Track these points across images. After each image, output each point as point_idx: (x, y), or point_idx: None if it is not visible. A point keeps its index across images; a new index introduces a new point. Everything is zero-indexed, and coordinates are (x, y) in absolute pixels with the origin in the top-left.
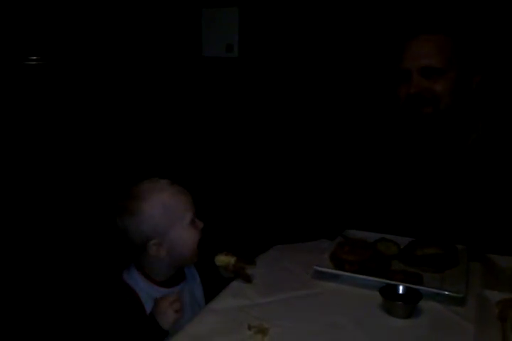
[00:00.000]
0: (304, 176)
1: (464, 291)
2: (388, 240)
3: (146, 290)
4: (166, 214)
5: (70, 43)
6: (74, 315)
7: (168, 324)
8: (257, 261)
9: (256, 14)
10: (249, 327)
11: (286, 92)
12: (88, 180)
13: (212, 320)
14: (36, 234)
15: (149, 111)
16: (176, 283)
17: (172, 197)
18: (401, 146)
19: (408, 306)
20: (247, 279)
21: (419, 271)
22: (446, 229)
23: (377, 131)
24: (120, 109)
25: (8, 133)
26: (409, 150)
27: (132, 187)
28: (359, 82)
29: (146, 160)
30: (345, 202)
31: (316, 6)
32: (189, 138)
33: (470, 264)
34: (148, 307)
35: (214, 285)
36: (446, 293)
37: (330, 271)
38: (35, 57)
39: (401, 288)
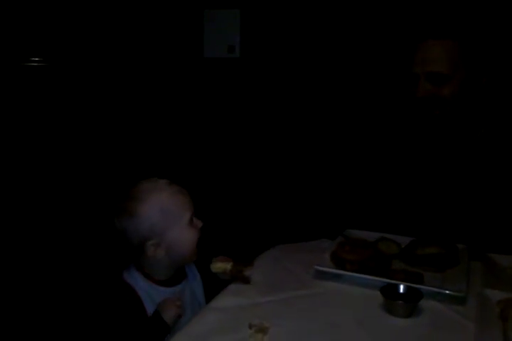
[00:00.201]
0: (305, 176)
1: (465, 290)
2: (389, 239)
3: (146, 289)
4: (163, 214)
5: (71, 44)
6: (75, 314)
7: (170, 317)
8: (257, 261)
9: (257, 15)
10: (250, 326)
11: (288, 93)
12: (88, 180)
13: (213, 318)
14: (36, 233)
15: (151, 111)
16: (177, 282)
17: (170, 198)
18: (402, 146)
19: (409, 305)
20: (245, 281)
21: (419, 271)
22: (447, 229)
23: (377, 131)
24: (121, 110)
25: (8, 133)
26: (411, 149)
27: (131, 187)
28: (360, 83)
29: (146, 160)
30: (345, 202)
31: (318, 7)
32: (190, 139)
33: (471, 263)
34: (148, 307)
35: (214, 283)
36: (447, 292)
37: (331, 270)
38: (36, 59)
39: (402, 287)
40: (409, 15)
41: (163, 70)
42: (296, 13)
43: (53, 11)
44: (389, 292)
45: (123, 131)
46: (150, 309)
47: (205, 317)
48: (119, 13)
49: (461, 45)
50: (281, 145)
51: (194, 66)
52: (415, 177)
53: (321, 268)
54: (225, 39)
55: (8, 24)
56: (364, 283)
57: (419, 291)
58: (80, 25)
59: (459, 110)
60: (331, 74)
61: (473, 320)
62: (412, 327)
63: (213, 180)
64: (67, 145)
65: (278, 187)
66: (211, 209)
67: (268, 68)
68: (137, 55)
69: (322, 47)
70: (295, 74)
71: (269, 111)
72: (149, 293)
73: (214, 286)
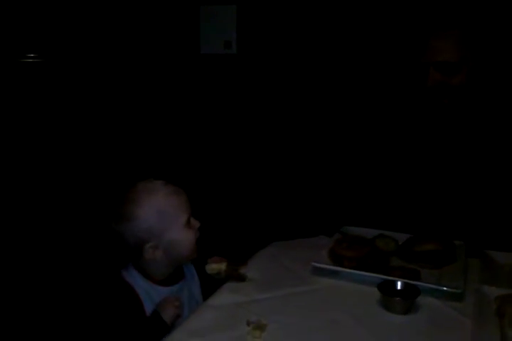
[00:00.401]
0: (303, 173)
1: (462, 287)
2: (386, 236)
3: (144, 288)
4: (160, 217)
5: (68, 40)
6: (73, 313)
7: (169, 317)
8: (255, 258)
9: (254, 11)
10: (248, 323)
11: (285, 88)
12: (85, 178)
13: (211, 316)
14: (36, 233)
15: (147, 108)
16: (175, 281)
17: (166, 199)
18: (399, 144)
19: (406, 302)
20: (241, 279)
21: (417, 267)
22: (445, 225)
23: (377, 127)
24: (117, 106)
25: (4, 131)
26: (407, 147)
27: (127, 188)
28: (357, 81)
29: (142, 158)
30: (343, 199)
31: (316, 2)
32: (186, 136)
33: (468, 260)
34: (146, 305)
35: (211, 282)
36: (444, 288)
37: (328, 267)
38: (32, 55)
39: (399, 283)
40: (418, 5)
41: (160, 67)
42: (293, 8)
43: (49, 7)
44: (386, 288)
45: (119, 129)
46: (149, 308)
47: (202, 314)
48: (116, 10)
49: (469, 35)
50: (278, 142)
51: (191, 62)
52: (413, 174)
53: (318, 265)
54: (221, 35)
55: (4, 20)
56: (361, 279)
57: (416, 288)
58: (75, 21)
59: (468, 99)
60: (332, 67)
61: (471, 317)
62: (409, 323)
63: (210, 177)
64: (63, 142)
65: (275, 184)
66: (208, 206)
67: (265, 64)
68: (133, 51)
69: (321, 42)
70: (293, 69)
71: (266, 108)
72: (148, 292)
73: (211, 285)
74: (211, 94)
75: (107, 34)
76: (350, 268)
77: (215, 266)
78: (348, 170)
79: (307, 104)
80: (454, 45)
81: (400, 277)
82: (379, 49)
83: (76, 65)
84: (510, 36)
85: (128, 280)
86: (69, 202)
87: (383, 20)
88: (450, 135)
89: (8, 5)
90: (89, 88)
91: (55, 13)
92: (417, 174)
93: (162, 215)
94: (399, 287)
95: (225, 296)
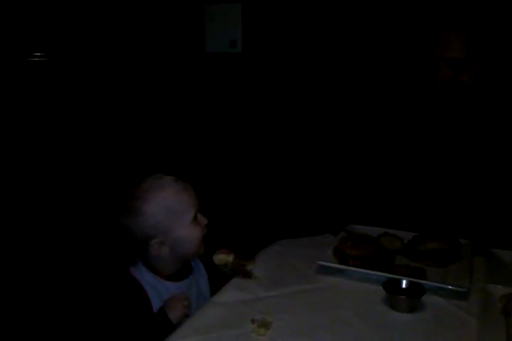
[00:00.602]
0: (308, 171)
1: (468, 286)
2: (392, 235)
3: (152, 284)
4: (167, 213)
5: (74, 40)
6: (79, 309)
7: (176, 317)
8: (260, 256)
9: (259, 10)
10: (253, 321)
11: (290, 87)
12: (94, 175)
13: (216, 313)
14: (44, 229)
15: (153, 107)
16: (184, 277)
17: (174, 196)
18: (404, 142)
19: (411, 300)
20: (247, 275)
21: (422, 266)
22: (450, 224)
23: (384, 126)
24: (124, 105)
25: (11, 129)
26: (413, 146)
27: (136, 184)
28: (364, 78)
29: (150, 156)
30: (348, 197)
31: (321, 0)
32: (193, 134)
33: (474, 259)
34: (154, 301)
35: (219, 277)
36: (450, 287)
37: (333, 265)
38: (38, 54)
39: (404, 282)
40: (429, 1)
41: (165, 65)
42: (298, 6)
43: (55, 6)
44: (391, 287)
45: (126, 127)
46: (156, 303)
47: (208, 311)
48: (121, 9)
49: (480, 32)
50: (284, 140)
51: (196, 61)
52: (418, 172)
53: (323, 263)
54: (226, 34)
55: (10, 19)
56: (367, 278)
57: (421, 286)
58: (81, 20)
59: (478, 96)
60: (338, 65)
61: (476, 316)
62: (414, 322)
63: (217, 175)
64: (70, 140)
65: (281, 182)
66: (215, 204)
67: (270, 63)
68: (139, 50)
69: (327, 40)
70: (298, 68)
71: (271, 106)
72: (156, 288)
73: (219, 281)
74: (216, 92)
75: (112, 33)
76: (356, 267)
77: (223, 257)
78: (354, 168)
79: (313, 102)
80: (464, 42)
81: (406, 275)
82: (388, 45)
83: (82, 63)
84: None
85: (135, 275)
86: (78, 197)
87: (393, 15)
88: (458, 132)
89: (15, 4)
90: (95, 86)
91: (62, 12)
92: (423, 172)
93: (170, 212)
94: (404, 285)
95: (230, 293)
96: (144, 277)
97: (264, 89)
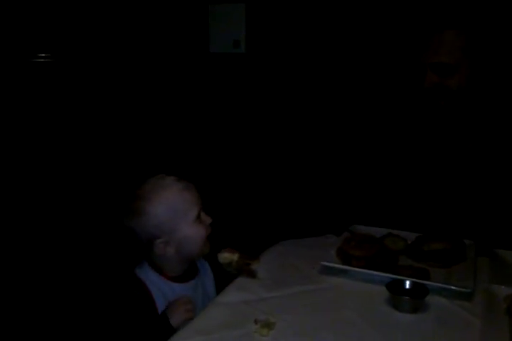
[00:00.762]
0: (312, 171)
1: (471, 286)
2: (395, 235)
3: (158, 285)
4: (171, 213)
5: (78, 40)
6: (85, 309)
7: (177, 322)
8: (263, 257)
9: (263, 10)
10: (256, 321)
11: (294, 87)
12: (98, 175)
13: (219, 313)
14: (49, 229)
15: (157, 107)
16: (189, 278)
17: (177, 195)
18: (408, 142)
19: (415, 301)
20: (252, 275)
21: (426, 267)
22: (454, 224)
23: (386, 125)
24: (128, 105)
25: (16, 130)
26: (417, 144)
27: (139, 184)
28: (367, 75)
29: (153, 156)
30: (352, 198)
31: (324, 1)
32: (196, 134)
33: (478, 259)
34: (159, 303)
35: (225, 278)
36: (453, 288)
37: (337, 266)
38: (43, 55)
39: (408, 283)
40: (417, 5)
41: (169, 65)
42: (301, 6)
43: (60, 7)
44: (395, 288)
45: (130, 127)
46: (161, 305)
47: (210, 312)
48: (125, 10)
49: (467, 36)
50: (287, 140)
51: (199, 61)
52: (422, 173)
53: (327, 264)
54: (230, 34)
55: (15, 20)
56: (370, 278)
57: (425, 287)
58: (86, 21)
59: (465, 102)
60: (338, 67)
61: (480, 316)
62: (417, 322)
63: (219, 175)
64: (73, 141)
65: (284, 183)
66: (219, 204)
67: (274, 63)
68: (143, 50)
69: (328, 41)
70: (301, 68)
71: (275, 106)
72: (161, 289)
73: (225, 281)
74: (220, 93)
75: (116, 34)
76: (359, 267)
77: (228, 256)
78: (357, 169)
79: (316, 102)
80: (451, 47)
81: (409, 276)
82: (381, 48)
83: (87, 64)
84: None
85: (141, 276)
86: (82, 198)
87: (384, 19)
88: (456, 133)
89: (20, 5)
90: (100, 87)
91: (67, 13)
92: (427, 173)
93: (173, 211)
94: (407, 286)
95: (233, 294)
96: (150, 278)
97: (268, 90)
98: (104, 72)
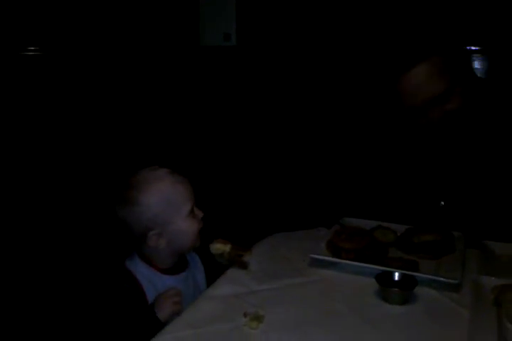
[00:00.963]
0: (302, 165)
1: (459, 277)
2: (385, 228)
3: (148, 277)
4: (165, 204)
5: (68, 34)
6: (74, 302)
7: (165, 315)
8: (254, 249)
9: (253, 2)
10: (245, 315)
11: (285, 81)
12: (89, 169)
13: (209, 306)
14: (38, 221)
15: (147, 101)
16: (180, 270)
17: (171, 187)
18: (398, 135)
19: (404, 293)
20: (243, 266)
21: (416, 258)
22: (443, 216)
23: (374, 120)
24: (118, 99)
25: (4, 124)
26: (406, 138)
27: (131, 176)
28: (357, 72)
29: (144, 151)
30: (342, 191)
31: None
32: (187, 128)
33: (467, 251)
34: (149, 295)
35: (216, 270)
36: (442, 279)
37: (326, 258)
38: (33, 48)
39: (397, 274)
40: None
41: (159, 59)
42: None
43: (49, 0)
44: (384, 279)
45: (120, 121)
46: (152, 297)
47: (200, 305)
48: (115, 2)
49: (446, 59)
50: (278, 134)
51: (190, 54)
52: (411, 165)
53: (317, 257)
54: (221, 27)
55: (4, 13)
56: (360, 271)
57: (414, 279)
58: (75, 14)
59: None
60: (329, 60)
61: (468, 307)
62: (407, 314)
63: (211, 169)
64: (65, 135)
65: (275, 176)
66: (210, 198)
67: (265, 56)
68: (133, 43)
69: (319, 34)
70: (292, 61)
71: (266, 99)
72: (151, 281)
73: (216, 274)
74: (211, 86)
75: (106, 27)
76: (349, 260)
77: (220, 246)
78: (347, 162)
79: (306, 96)
80: (433, 76)
81: (398, 268)
82: (375, 42)
83: (76, 57)
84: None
85: (131, 269)
86: (73, 191)
87: (388, 12)
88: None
89: None
90: (89, 80)
91: (56, 6)
92: (415, 165)
93: (167, 203)
94: (396, 278)
95: (223, 287)
96: (140, 270)
97: (259, 83)
98: (94, 66)
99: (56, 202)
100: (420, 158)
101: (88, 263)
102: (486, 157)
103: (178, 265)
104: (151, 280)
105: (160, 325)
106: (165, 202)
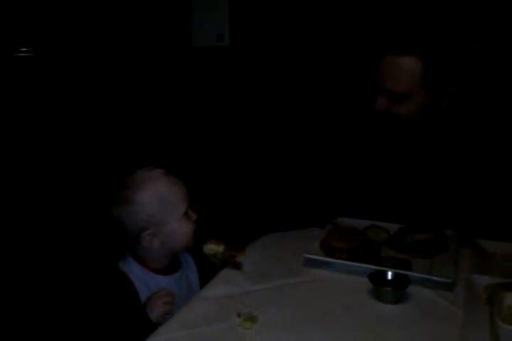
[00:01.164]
0: (294, 165)
1: (452, 276)
2: (378, 227)
3: (141, 278)
4: (160, 204)
5: (60, 35)
6: (67, 303)
7: (156, 316)
8: (248, 249)
9: (246, 2)
10: (239, 315)
11: (278, 81)
12: (82, 170)
13: (202, 307)
14: (31, 221)
15: (139, 102)
16: (173, 270)
17: (167, 188)
18: (388, 135)
19: (397, 292)
20: (237, 266)
21: (409, 257)
22: (436, 215)
23: (365, 121)
24: (110, 100)
25: None
26: (397, 138)
27: (127, 176)
28: (351, 72)
29: (136, 151)
30: (335, 190)
31: None
32: (180, 129)
33: (460, 250)
34: (142, 295)
35: (209, 271)
36: (435, 278)
37: (319, 258)
38: (25, 49)
39: (390, 274)
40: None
41: (152, 59)
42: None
43: (42, 1)
44: (377, 279)
45: (112, 122)
46: (145, 297)
47: (194, 306)
48: (107, 3)
49: (423, 62)
50: (271, 134)
51: (183, 55)
52: (403, 164)
53: (310, 256)
54: (214, 27)
55: None
56: (353, 270)
57: (406, 278)
58: (67, 15)
59: (419, 125)
60: (322, 59)
61: (461, 306)
62: (400, 313)
63: (204, 169)
64: (57, 136)
65: (268, 177)
66: (203, 198)
67: (258, 56)
68: (126, 44)
69: (312, 33)
70: (285, 62)
71: (259, 101)
72: (145, 282)
73: (209, 274)
74: (204, 86)
75: (99, 28)
76: (342, 259)
77: (213, 247)
78: (340, 162)
79: (300, 96)
80: (404, 74)
81: (392, 267)
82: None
83: (69, 58)
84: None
85: (124, 269)
86: (66, 193)
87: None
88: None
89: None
90: (82, 82)
91: (48, 7)
92: (407, 164)
93: (163, 203)
94: (389, 277)
95: (216, 288)
96: (133, 271)
97: (253, 83)
98: (87, 67)
99: (50, 202)
100: (413, 158)
101: (81, 263)
102: (479, 156)
103: (171, 265)
104: (144, 281)
105: (151, 325)
106: (160, 202)
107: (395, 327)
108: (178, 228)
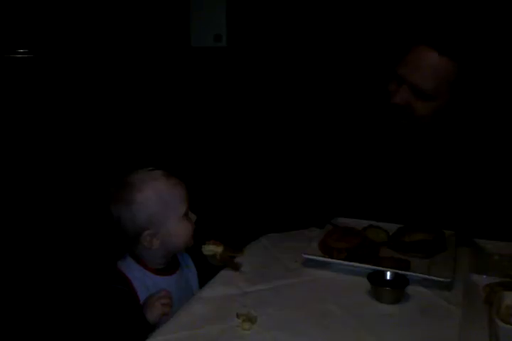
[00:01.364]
0: (293, 165)
1: (451, 276)
2: (377, 227)
3: (140, 278)
4: (161, 205)
5: (57, 36)
6: (66, 304)
7: (154, 317)
8: (247, 250)
9: (244, 3)
10: (238, 316)
11: (276, 81)
12: (81, 171)
13: (201, 308)
14: (31, 222)
15: (138, 102)
16: (172, 271)
17: (168, 188)
18: (388, 134)
19: (395, 292)
20: (235, 267)
21: (407, 257)
22: (435, 215)
23: (364, 120)
24: (108, 100)
25: None
26: (396, 137)
27: (127, 176)
28: (348, 71)
29: (136, 152)
30: (334, 190)
31: None
32: (178, 129)
33: (458, 249)
34: (141, 296)
35: (208, 270)
36: (433, 278)
37: (318, 258)
38: (22, 50)
39: (388, 274)
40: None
41: (150, 60)
42: (283, 0)
43: (39, 2)
44: (376, 279)
45: (110, 122)
46: (144, 297)
47: (193, 306)
48: (105, 4)
49: (459, 68)
50: (270, 135)
51: (181, 55)
52: (401, 164)
53: (309, 257)
54: (211, 28)
55: None
56: (351, 270)
57: (405, 278)
58: (65, 16)
59: (432, 124)
60: (320, 59)
61: (460, 305)
62: (399, 313)
63: (203, 169)
64: (55, 136)
65: (266, 177)
66: (201, 199)
67: (256, 57)
68: (123, 44)
69: (309, 34)
70: (283, 62)
71: (257, 101)
72: (143, 282)
73: (208, 274)
74: (202, 87)
75: (96, 28)
76: (340, 259)
77: (212, 248)
78: (338, 162)
79: (298, 96)
80: (434, 73)
81: (390, 267)
82: (369, 42)
83: (66, 59)
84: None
85: (123, 270)
86: (65, 193)
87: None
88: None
89: None
90: (79, 82)
91: (46, 8)
92: (406, 164)
93: (164, 204)
94: (388, 277)
95: (215, 288)
96: (132, 271)
97: (250, 84)
98: (84, 67)
99: (50, 202)
100: (412, 157)
101: (80, 263)
102: (477, 156)
103: (170, 266)
104: (143, 281)
105: (149, 327)
106: (161, 202)
107: (393, 327)
108: (178, 228)
